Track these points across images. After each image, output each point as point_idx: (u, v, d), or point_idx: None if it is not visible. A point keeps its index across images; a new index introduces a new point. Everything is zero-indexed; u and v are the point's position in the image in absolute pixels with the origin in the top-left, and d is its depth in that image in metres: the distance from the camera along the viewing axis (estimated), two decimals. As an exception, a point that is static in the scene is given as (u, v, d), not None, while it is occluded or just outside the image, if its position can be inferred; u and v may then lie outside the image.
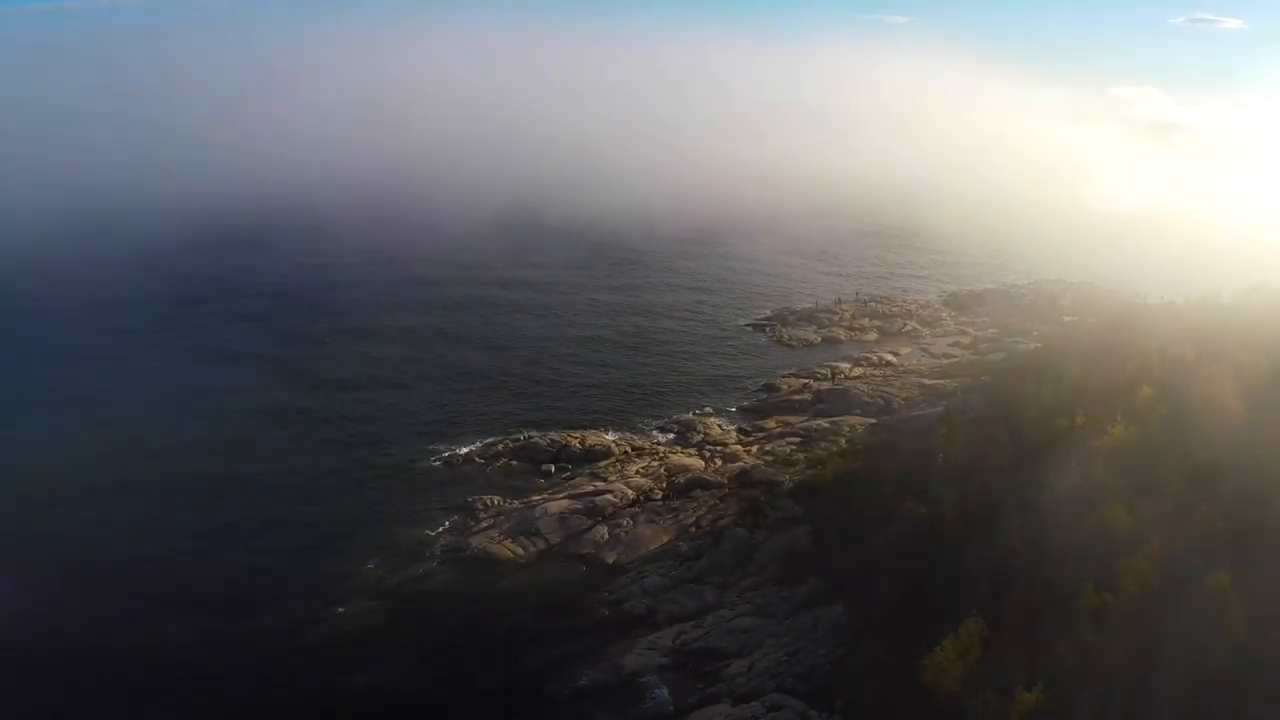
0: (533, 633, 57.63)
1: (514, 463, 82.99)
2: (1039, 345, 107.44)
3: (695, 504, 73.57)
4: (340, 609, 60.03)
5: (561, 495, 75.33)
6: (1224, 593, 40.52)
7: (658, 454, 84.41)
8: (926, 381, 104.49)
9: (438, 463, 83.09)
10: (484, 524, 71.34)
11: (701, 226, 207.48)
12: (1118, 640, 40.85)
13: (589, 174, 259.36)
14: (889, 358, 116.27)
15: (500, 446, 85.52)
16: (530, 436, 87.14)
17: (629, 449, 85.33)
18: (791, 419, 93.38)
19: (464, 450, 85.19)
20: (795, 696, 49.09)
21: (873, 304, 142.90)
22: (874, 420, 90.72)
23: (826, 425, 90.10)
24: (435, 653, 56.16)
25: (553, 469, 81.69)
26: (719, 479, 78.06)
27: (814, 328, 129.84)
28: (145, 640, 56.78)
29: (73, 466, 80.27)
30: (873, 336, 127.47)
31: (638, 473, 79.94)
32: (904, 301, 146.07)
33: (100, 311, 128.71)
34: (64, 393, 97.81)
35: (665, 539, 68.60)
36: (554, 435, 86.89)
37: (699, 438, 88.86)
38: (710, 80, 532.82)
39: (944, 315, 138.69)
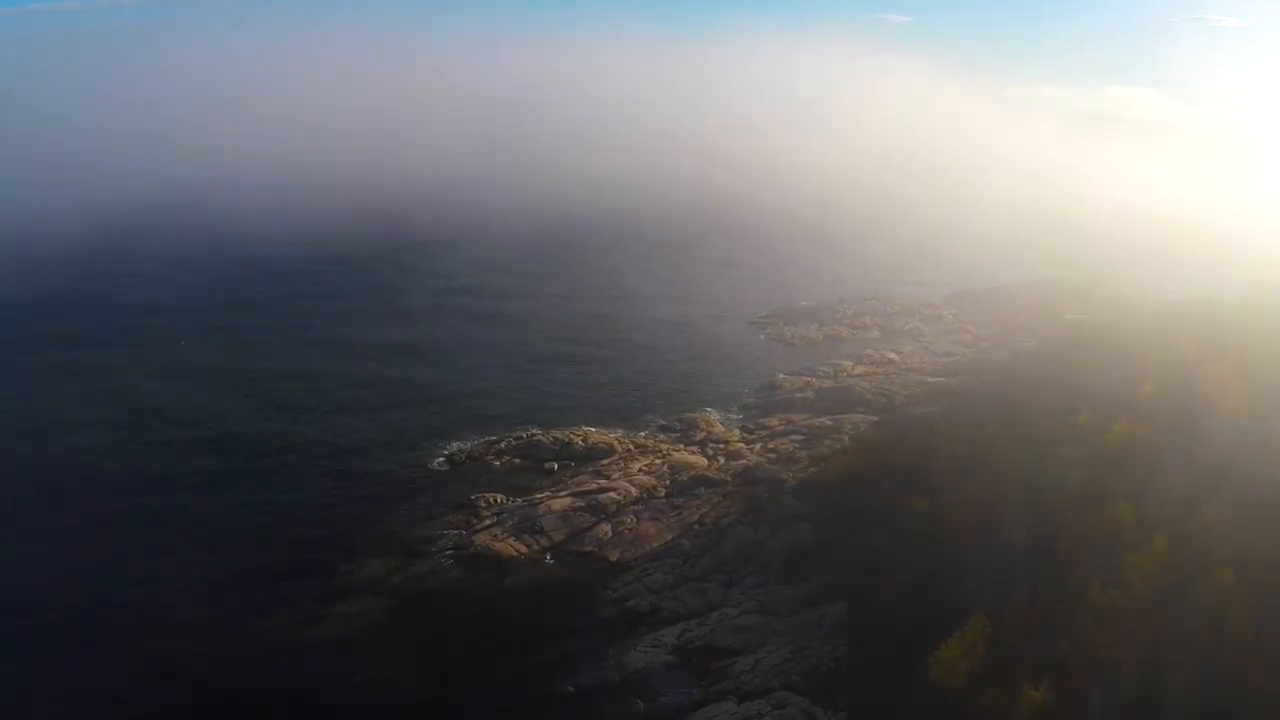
0: (536, 630, 57.51)
1: (516, 460, 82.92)
2: (1041, 344, 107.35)
3: (698, 502, 73.47)
4: (342, 607, 59.92)
5: (564, 493, 75.27)
6: (1229, 590, 40.50)
7: (660, 452, 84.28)
8: (929, 379, 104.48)
9: (440, 461, 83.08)
10: (487, 522, 71.27)
11: (703, 225, 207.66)
12: (1124, 638, 40.80)
13: (579, 174, 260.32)
14: (891, 356, 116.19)
15: (503, 444, 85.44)
16: (533, 434, 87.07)
17: (631, 446, 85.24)
18: (794, 417, 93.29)
19: (466, 448, 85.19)
20: (800, 694, 49.06)
21: (874, 302, 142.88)
22: (877, 418, 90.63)
23: (829, 423, 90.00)
24: (438, 651, 56.07)
25: (555, 467, 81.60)
26: (722, 477, 78.03)
27: (816, 325, 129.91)
28: (146, 639, 56.75)
29: (70, 464, 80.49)
30: (875, 334, 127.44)
31: (640, 470, 79.85)
32: (906, 300, 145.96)
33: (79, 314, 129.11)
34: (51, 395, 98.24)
35: (668, 537, 68.51)
36: (556, 433, 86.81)
37: (701, 435, 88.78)
38: (711, 81, 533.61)
39: (946, 314, 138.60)
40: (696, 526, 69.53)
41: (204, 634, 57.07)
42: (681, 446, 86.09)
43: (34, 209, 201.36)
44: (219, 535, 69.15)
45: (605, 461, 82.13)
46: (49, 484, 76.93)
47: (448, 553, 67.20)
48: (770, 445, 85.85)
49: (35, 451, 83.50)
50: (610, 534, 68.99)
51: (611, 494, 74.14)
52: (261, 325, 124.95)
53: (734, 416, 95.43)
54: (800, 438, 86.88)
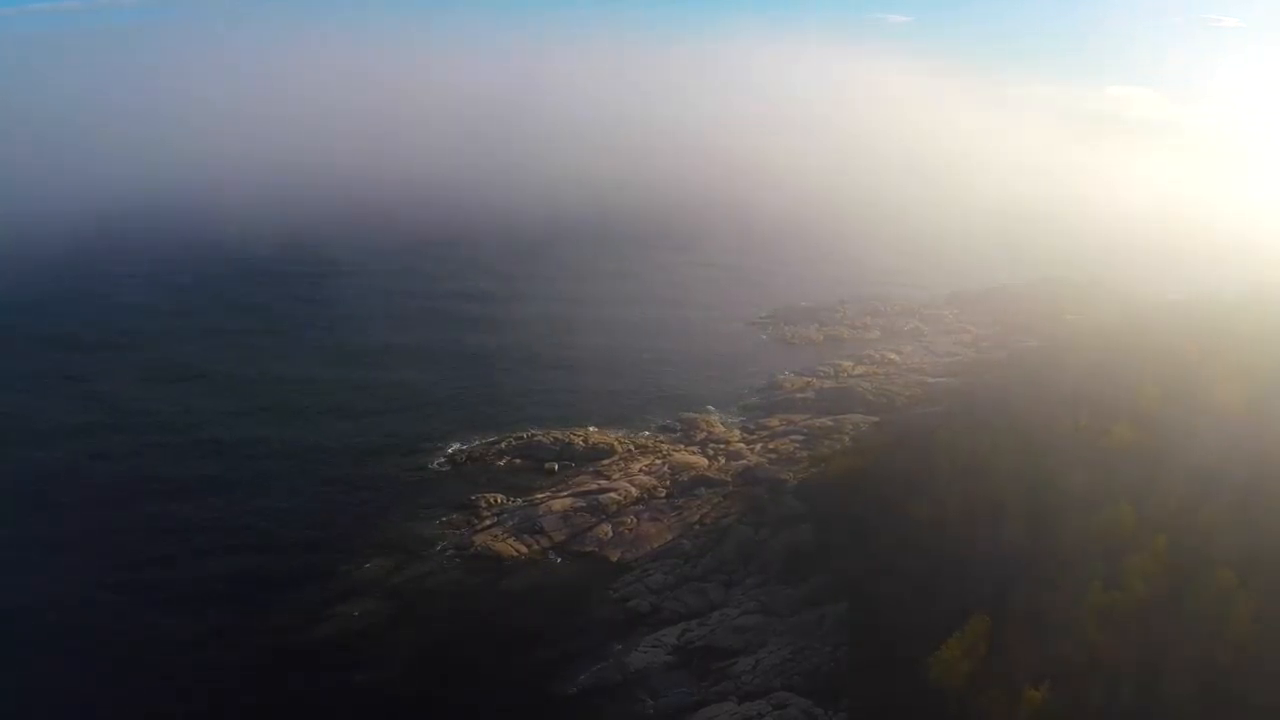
0: (536, 631, 57.57)
1: (517, 461, 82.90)
2: (1042, 344, 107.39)
3: (699, 502, 73.49)
4: (343, 608, 59.92)
5: (565, 493, 75.29)
6: (1229, 591, 40.54)
7: (661, 452, 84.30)
8: (929, 380, 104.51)
9: (440, 461, 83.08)
10: (487, 522, 71.28)
11: (703, 226, 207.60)
12: (1124, 638, 40.83)
13: (577, 176, 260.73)
14: (892, 356, 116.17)
15: (503, 444, 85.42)
16: (533, 434, 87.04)
17: (632, 447, 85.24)
18: (795, 417, 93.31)
19: (466, 448, 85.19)
20: (800, 694, 49.09)
21: (875, 302, 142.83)
22: (877, 418, 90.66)
23: (830, 423, 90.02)
24: (438, 651, 56.10)
25: (556, 467, 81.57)
26: (722, 477, 78.02)
27: (816, 326, 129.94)
28: (148, 639, 56.83)
29: (67, 470, 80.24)
30: (875, 335, 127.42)
31: (641, 471, 79.86)
32: (906, 300, 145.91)
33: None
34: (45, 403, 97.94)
35: (669, 537, 68.53)
36: (557, 433, 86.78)
37: (702, 436, 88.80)
38: (711, 81, 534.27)
39: (946, 314, 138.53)
40: (697, 527, 69.54)
41: (205, 635, 57.09)
42: (682, 447, 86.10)
43: (32, 209, 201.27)
44: (219, 539, 68.81)
45: (606, 462, 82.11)
46: (47, 490, 76.18)
47: (448, 553, 67.17)
48: (771, 445, 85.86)
49: (32, 457, 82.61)
50: (611, 534, 69.00)
51: (612, 494, 74.14)
52: (259, 329, 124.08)
53: (734, 417, 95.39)
54: (801, 438, 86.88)
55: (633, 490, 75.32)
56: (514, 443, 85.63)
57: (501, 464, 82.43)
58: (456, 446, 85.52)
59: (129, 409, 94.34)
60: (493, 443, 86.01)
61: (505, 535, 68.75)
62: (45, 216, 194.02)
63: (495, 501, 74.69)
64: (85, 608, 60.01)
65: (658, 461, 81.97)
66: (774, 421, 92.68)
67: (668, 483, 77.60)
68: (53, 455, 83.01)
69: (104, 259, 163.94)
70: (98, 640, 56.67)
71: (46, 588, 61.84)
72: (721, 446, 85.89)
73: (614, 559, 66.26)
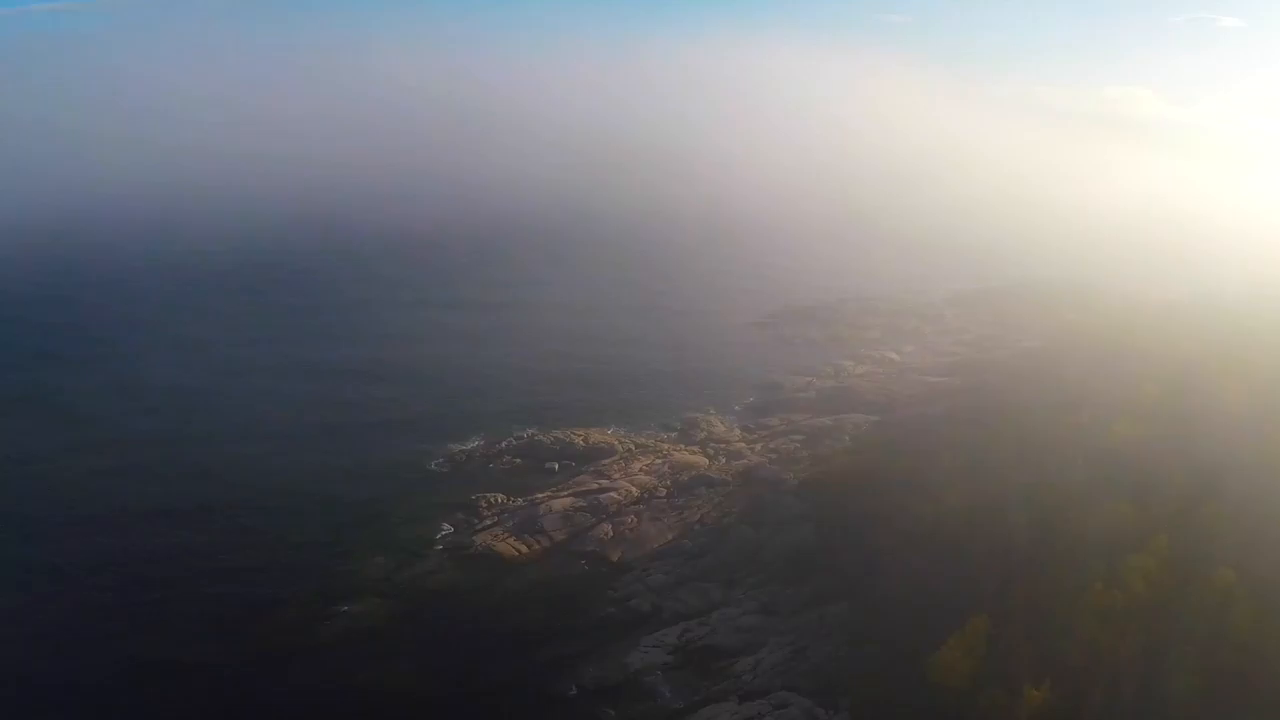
0: (537, 630, 57.56)
1: (517, 461, 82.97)
2: (1042, 344, 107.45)
3: (699, 501, 73.49)
4: (345, 607, 59.91)
5: (565, 493, 75.30)
6: (1230, 590, 40.57)
7: (661, 452, 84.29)
8: (930, 379, 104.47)
9: (441, 461, 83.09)
10: (488, 522, 71.30)
11: (704, 228, 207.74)
12: (1125, 637, 40.84)
13: (576, 180, 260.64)
14: (892, 356, 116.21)
15: (504, 444, 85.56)
16: (533, 434, 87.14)
17: (632, 446, 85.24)
18: (795, 417, 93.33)
19: (467, 448, 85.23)
20: (801, 694, 49.03)
21: (875, 302, 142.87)
22: (878, 418, 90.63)
23: (830, 423, 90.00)
24: (439, 650, 56.09)
25: (556, 467, 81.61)
26: (723, 476, 78.01)
27: (817, 325, 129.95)
28: (151, 639, 56.86)
29: (71, 477, 79.91)
30: (875, 334, 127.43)
31: (641, 470, 79.85)
32: (907, 300, 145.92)
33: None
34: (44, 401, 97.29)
35: (670, 536, 68.53)
36: (557, 433, 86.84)
37: (702, 435, 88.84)
38: (711, 83, 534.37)
39: (947, 314, 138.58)
40: (698, 526, 69.53)
41: (209, 634, 57.11)
42: (682, 446, 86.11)
43: (27, 211, 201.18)
44: (216, 554, 67.37)
45: (606, 461, 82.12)
46: (32, 517, 73.55)
47: (449, 552, 67.17)
48: (771, 445, 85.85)
49: (14, 484, 79.77)
50: (611, 534, 68.98)
51: (612, 494, 74.14)
52: (244, 340, 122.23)
53: (735, 416, 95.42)
54: (801, 438, 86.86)
55: (633, 490, 75.32)
56: (514, 443, 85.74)
57: (501, 464, 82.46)
58: (456, 447, 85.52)
59: (115, 427, 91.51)
60: (493, 442, 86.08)
61: (506, 535, 68.75)
62: (38, 218, 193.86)
63: (496, 501, 74.68)
64: (91, 609, 60.04)
65: (658, 461, 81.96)
66: (774, 421, 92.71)
67: (668, 482, 77.57)
68: (41, 475, 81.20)
69: (91, 262, 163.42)
70: (103, 642, 56.52)
71: (54, 591, 61.87)
72: (722, 446, 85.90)
73: (614, 559, 66.22)
